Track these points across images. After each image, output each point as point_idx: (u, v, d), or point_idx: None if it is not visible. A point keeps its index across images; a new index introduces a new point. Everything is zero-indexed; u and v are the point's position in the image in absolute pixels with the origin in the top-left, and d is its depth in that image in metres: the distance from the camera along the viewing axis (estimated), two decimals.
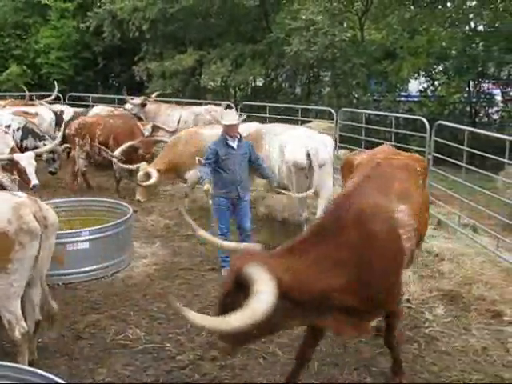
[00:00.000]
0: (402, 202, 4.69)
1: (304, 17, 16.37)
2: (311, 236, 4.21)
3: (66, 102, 19.65)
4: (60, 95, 18.81)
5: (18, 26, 23.69)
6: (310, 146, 8.58)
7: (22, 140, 11.29)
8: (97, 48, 23.10)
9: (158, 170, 9.82)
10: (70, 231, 7.58)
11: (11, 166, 8.60)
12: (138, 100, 14.62)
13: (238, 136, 7.66)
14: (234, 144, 7.58)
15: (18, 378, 4.00)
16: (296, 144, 8.72)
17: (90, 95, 21.40)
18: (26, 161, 8.63)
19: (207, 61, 19.64)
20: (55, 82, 17.19)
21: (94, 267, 7.37)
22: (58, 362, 5.54)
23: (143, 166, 9.97)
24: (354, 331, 4.42)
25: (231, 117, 7.68)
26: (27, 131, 11.42)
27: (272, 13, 20.29)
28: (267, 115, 15.80)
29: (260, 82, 22.44)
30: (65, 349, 5.80)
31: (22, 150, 10.21)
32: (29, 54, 23.49)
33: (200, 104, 15.14)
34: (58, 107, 14.85)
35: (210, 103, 15.25)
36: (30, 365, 4.90)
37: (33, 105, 14.39)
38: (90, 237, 7.44)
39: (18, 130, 11.39)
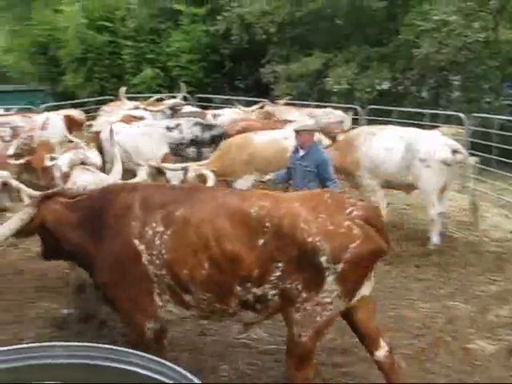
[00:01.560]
0: (163, 224, 4.36)
1: (436, 17, 15.78)
2: (85, 200, 4.84)
3: (195, 103, 20.34)
4: (188, 96, 19.45)
5: (152, 31, 24.84)
6: (450, 143, 8.54)
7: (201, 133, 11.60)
8: (224, 51, 23.66)
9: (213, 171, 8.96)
10: None
11: (159, 172, 8.93)
12: (254, 106, 15.02)
13: (307, 146, 7.25)
14: (300, 154, 7.31)
15: (146, 367, 4.16)
16: (435, 142, 8.65)
17: (217, 97, 21.98)
18: (172, 173, 8.89)
19: (333, 64, 19.53)
20: (181, 84, 17.80)
21: None
22: (183, 356, 5.71)
23: (193, 166, 9.13)
24: None
25: (301, 124, 7.49)
26: (203, 126, 11.67)
27: (400, 14, 19.82)
28: (394, 119, 15.46)
29: (385, 85, 22.00)
30: (189, 343, 6.00)
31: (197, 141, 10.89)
32: (161, 57, 24.51)
33: (324, 107, 15.07)
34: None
35: (335, 107, 15.14)
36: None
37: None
38: None
39: (195, 124, 11.62)
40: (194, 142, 11.13)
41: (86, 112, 21.15)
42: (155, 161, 9.54)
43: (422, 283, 7.65)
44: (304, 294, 4.22)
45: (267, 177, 7.93)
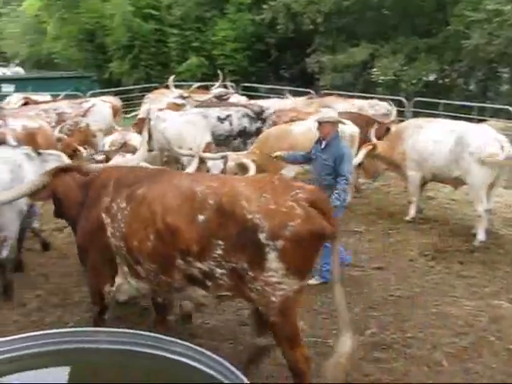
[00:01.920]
0: (125, 201, 4.75)
1: (489, 7, 15.35)
2: (88, 180, 5.26)
3: (239, 92, 20.33)
4: (232, 84, 19.45)
5: (198, 19, 24.96)
6: (500, 138, 8.38)
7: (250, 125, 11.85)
8: (270, 40, 23.60)
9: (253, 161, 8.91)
10: None
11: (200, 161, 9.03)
12: (302, 98, 14.95)
13: (329, 138, 7.12)
14: (322, 145, 7.18)
15: (186, 355, 4.22)
16: (485, 136, 8.50)
17: (262, 86, 21.94)
18: (212, 162, 8.97)
19: (379, 54, 19.28)
20: (219, 73, 17.85)
21: None
22: (223, 346, 5.70)
23: (233, 155, 9.18)
24: None
25: (325, 115, 7.40)
26: (249, 117, 11.83)
27: (449, 4, 19.39)
28: (440, 112, 15.18)
29: (432, 77, 21.62)
30: (230, 333, 5.98)
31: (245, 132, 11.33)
32: (206, 46, 24.64)
33: (371, 98, 14.85)
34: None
35: (379, 98, 14.90)
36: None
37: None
38: None
39: (243, 116, 11.82)
40: (242, 133, 11.28)
41: (131, 99, 21.48)
42: (197, 149, 9.59)
43: (466, 280, 7.48)
44: (251, 273, 4.31)
45: (277, 153, 7.93)
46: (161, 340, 4.36)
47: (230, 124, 11.24)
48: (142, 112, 13.75)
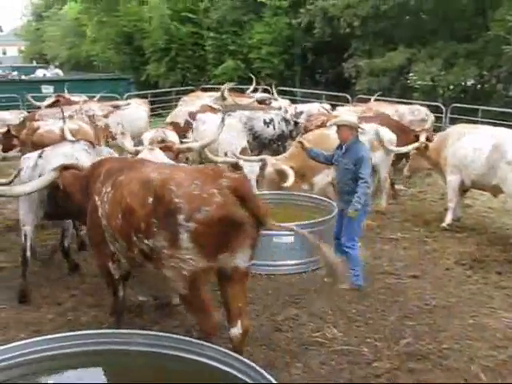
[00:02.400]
0: (110, 186, 5.30)
1: None
2: (89, 170, 5.98)
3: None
4: (269, 88, 19.47)
5: (235, 23, 25.06)
6: None
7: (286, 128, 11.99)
8: (307, 44, 23.53)
9: (291, 168, 8.85)
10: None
11: (234, 167, 9.09)
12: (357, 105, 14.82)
13: (348, 142, 6.99)
14: (342, 150, 7.07)
15: (224, 362, 4.23)
16: None
17: (299, 90, 21.87)
18: (249, 168, 9.00)
19: (416, 59, 19.05)
20: (252, 76, 17.83)
21: (297, 262, 7.47)
22: (257, 351, 5.67)
23: (271, 160, 9.19)
24: None
25: (340, 118, 7.38)
26: (286, 121, 11.98)
27: (490, 9, 19.06)
28: (478, 119, 14.92)
29: (470, 82, 21.28)
30: (263, 339, 5.93)
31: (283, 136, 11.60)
32: (242, 49, 24.72)
33: (408, 103, 14.69)
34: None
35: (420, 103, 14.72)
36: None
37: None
38: None
39: (281, 120, 11.89)
40: (281, 137, 11.41)
41: (168, 101, 21.65)
42: (232, 154, 9.61)
43: (504, 291, 7.27)
44: (166, 251, 4.75)
45: (306, 143, 7.96)
46: (195, 344, 4.38)
47: (274, 128, 11.36)
48: (170, 116, 13.74)
